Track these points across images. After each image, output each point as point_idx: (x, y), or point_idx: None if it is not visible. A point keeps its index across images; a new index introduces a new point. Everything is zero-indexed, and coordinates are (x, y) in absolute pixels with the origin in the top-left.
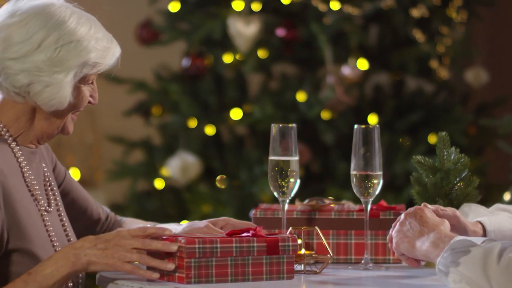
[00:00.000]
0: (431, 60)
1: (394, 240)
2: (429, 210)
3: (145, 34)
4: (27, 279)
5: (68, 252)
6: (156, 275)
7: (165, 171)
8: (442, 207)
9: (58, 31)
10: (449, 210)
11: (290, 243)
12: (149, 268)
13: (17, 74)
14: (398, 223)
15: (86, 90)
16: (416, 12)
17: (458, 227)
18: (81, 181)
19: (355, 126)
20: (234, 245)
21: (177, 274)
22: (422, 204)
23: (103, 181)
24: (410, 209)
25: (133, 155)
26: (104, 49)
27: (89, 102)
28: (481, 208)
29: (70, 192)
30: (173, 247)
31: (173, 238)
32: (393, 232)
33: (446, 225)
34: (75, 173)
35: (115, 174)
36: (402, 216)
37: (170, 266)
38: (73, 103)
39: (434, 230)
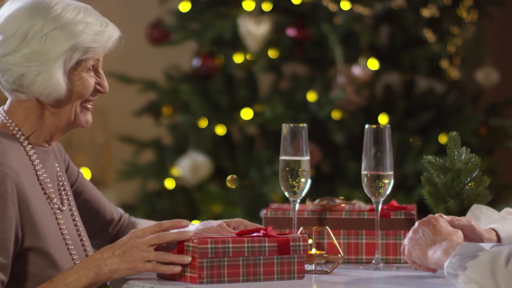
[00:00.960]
0: (442, 60)
1: (406, 248)
2: (443, 220)
3: (155, 34)
4: (48, 287)
5: (90, 263)
6: (178, 269)
7: (176, 171)
8: (457, 218)
9: (42, 20)
10: (465, 220)
11: (301, 243)
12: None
13: (9, 69)
14: (411, 231)
15: (87, 77)
16: (426, 12)
17: (474, 237)
18: (91, 181)
19: (366, 126)
20: (246, 245)
21: (189, 274)
22: (438, 214)
23: (113, 181)
24: (425, 218)
25: (143, 155)
26: (96, 33)
27: (98, 91)
28: (492, 212)
29: (82, 192)
30: (188, 235)
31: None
32: (406, 239)
33: (459, 235)
34: (85, 173)
35: (125, 174)
36: (416, 224)
37: (187, 258)
38: (75, 90)
39: (446, 239)
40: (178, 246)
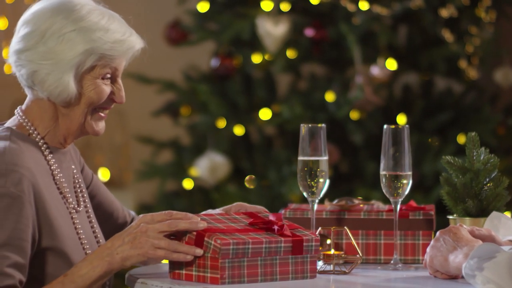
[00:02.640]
0: (460, 60)
1: (428, 256)
2: (464, 229)
3: (174, 35)
4: (63, 281)
5: (102, 252)
6: (189, 257)
7: (194, 171)
8: (477, 228)
9: (62, 21)
10: (485, 230)
11: (314, 243)
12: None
13: (25, 65)
14: (432, 240)
15: (102, 84)
16: (445, 12)
17: None
18: (110, 181)
19: (385, 126)
20: (264, 245)
21: (209, 275)
22: (458, 224)
23: (132, 181)
24: (446, 228)
25: (161, 155)
26: (115, 41)
27: (113, 100)
28: (511, 222)
29: (96, 195)
30: (202, 225)
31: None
32: (428, 248)
33: (479, 244)
34: (104, 174)
35: (144, 175)
36: (438, 233)
37: (199, 251)
38: (87, 95)
39: (467, 245)
40: (197, 240)
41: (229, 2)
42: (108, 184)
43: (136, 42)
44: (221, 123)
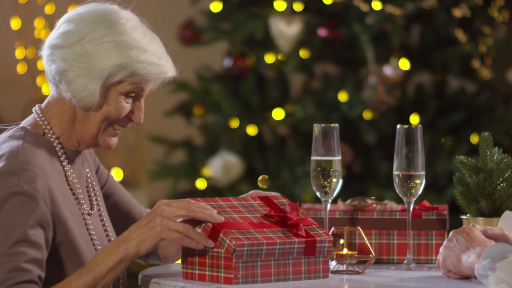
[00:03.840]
0: (473, 60)
1: (440, 256)
2: (477, 229)
3: (187, 34)
4: (81, 271)
5: (118, 240)
6: (200, 246)
7: (207, 171)
8: (490, 227)
9: (105, 29)
10: (497, 229)
11: (326, 245)
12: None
13: (56, 61)
14: (445, 240)
15: (123, 101)
16: (458, 12)
17: None
18: (123, 181)
19: (398, 126)
20: (277, 247)
21: (223, 275)
22: (471, 224)
23: (145, 181)
24: (459, 228)
25: (174, 155)
26: (150, 63)
27: (131, 119)
28: None
29: (112, 194)
30: (219, 218)
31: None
32: (441, 248)
33: (492, 244)
34: (117, 174)
35: (157, 174)
36: (451, 233)
37: (211, 243)
38: (106, 109)
39: (480, 245)
40: (212, 233)
41: (242, 2)
42: (121, 184)
43: (169, 70)
44: (234, 123)
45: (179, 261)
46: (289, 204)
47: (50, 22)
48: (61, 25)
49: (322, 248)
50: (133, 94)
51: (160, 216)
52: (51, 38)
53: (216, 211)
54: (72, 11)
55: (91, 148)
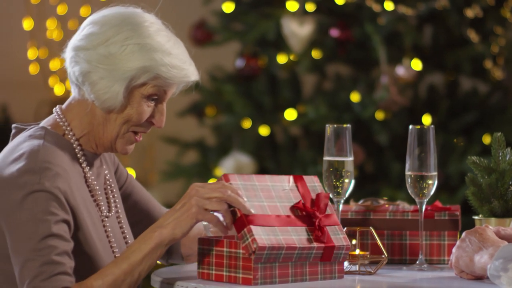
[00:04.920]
0: (485, 60)
1: (453, 256)
2: (489, 230)
3: (199, 35)
4: (116, 260)
5: (153, 226)
6: (226, 233)
7: (219, 171)
8: (503, 228)
9: (129, 32)
10: (510, 230)
11: (343, 252)
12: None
13: (80, 63)
14: (458, 241)
15: (144, 104)
16: (470, 12)
17: None
18: None
19: (410, 126)
20: (296, 252)
21: (241, 276)
22: (484, 225)
23: (157, 181)
24: (471, 228)
25: (187, 155)
26: (174, 66)
27: (152, 123)
28: None
29: (131, 194)
30: (249, 211)
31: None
32: (453, 248)
33: (505, 244)
34: None
35: (169, 175)
36: (463, 234)
37: (234, 234)
38: (127, 112)
39: (493, 245)
40: (237, 223)
41: (254, 2)
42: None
43: (192, 74)
44: (246, 124)
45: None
46: (321, 194)
47: (62, 23)
48: (85, 27)
49: (338, 255)
50: (156, 97)
51: (195, 197)
52: (75, 40)
53: (247, 202)
54: (97, 14)
55: None
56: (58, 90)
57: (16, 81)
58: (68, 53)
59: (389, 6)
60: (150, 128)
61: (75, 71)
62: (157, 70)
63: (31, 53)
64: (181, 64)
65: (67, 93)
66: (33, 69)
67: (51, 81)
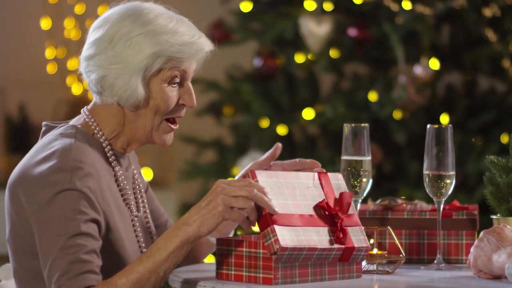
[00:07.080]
0: (503, 59)
1: (471, 256)
2: (508, 229)
3: (217, 34)
4: (142, 257)
5: (179, 223)
6: (249, 230)
7: (237, 171)
8: None
9: (130, 25)
10: None
11: (362, 253)
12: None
13: (94, 70)
14: (476, 240)
15: (169, 91)
16: (488, 12)
17: None
18: (153, 181)
19: (428, 126)
20: (316, 253)
21: (261, 275)
22: (502, 224)
23: (175, 181)
24: (490, 228)
25: (205, 155)
26: (183, 43)
27: (184, 105)
28: None
29: (148, 203)
30: (274, 210)
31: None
32: (471, 248)
33: None
34: (147, 173)
35: (187, 174)
36: (481, 233)
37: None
38: (154, 102)
39: (511, 245)
40: (261, 221)
41: (272, 1)
42: (151, 184)
43: (205, 44)
44: (264, 123)
45: (210, 260)
46: (344, 194)
47: (80, 22)
48: (91, 34)
49: (357, 256)
50: (178, 80)
51: (222, 195)
52: (84, 50)
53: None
54: (98, 18)
55: (134, 153)
56: (76, 89)
57: (34, 81)
58: (81, 66)
59: (407, 5)
60: (184, 111)
61: (92, 80)
62: (168, 52)
63: (49, 53)
64: (189, 39)
65: (85, 93)
66: (50, 68)
67: (69, 80)
